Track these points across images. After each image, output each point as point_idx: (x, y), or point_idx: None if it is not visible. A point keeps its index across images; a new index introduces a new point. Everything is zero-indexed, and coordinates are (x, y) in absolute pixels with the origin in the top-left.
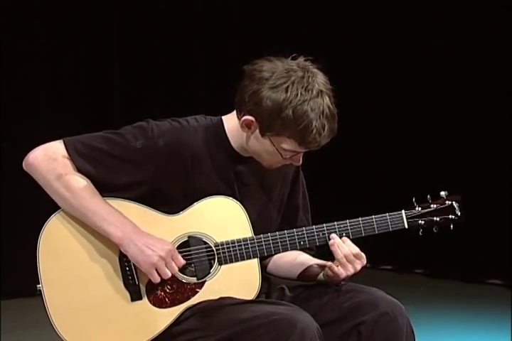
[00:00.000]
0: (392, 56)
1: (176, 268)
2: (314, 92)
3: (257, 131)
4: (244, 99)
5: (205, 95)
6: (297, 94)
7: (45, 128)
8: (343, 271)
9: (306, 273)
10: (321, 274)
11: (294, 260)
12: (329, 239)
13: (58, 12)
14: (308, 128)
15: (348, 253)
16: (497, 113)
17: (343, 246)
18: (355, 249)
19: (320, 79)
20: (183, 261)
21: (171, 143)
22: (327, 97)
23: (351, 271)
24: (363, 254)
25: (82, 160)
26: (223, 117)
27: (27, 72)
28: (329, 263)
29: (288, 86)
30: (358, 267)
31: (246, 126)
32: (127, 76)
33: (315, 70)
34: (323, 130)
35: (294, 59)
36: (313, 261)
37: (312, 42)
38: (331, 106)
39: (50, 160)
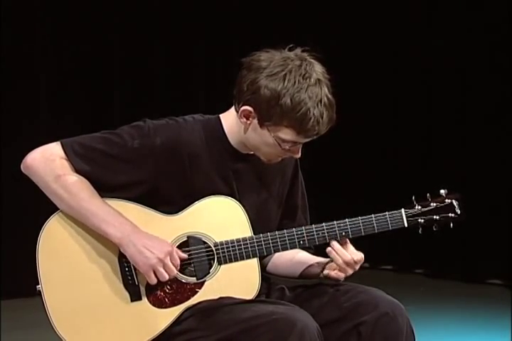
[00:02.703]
0: (392, 54)
1: (175, 271)
2: (312, 80)
3: (256, 121)
4: (243, 89)
5: (204, 95)
6: (295, 82)
7: (45, 129)
8: (342, 275)
9: (307, 272)
10: (321, 274)
11: (293, 258)
12: (328, 245)
13: (58, 12)
14: (306, 116)
15: (349, 261)
16: (496, 111)
17: (345, 254)
18: (357, 256)
19: (318, 69)
20: (178, 262)
21: (168, 141)
22: (325, 86)
23: (350, 273)
24: (362, 257)
25: (80, 161)
26: (221, 115)
27: (27, 72)
28: (324, 260)
29: (285, 74)
30: (357, 267)
31: (244, 116)
32: (127, 76)
33: (312, 60)
34: (322, 118)
35: (290, 50)
36: (313, 259)
37: (312, 41)
38: (329, 95)
39: (48, 162)
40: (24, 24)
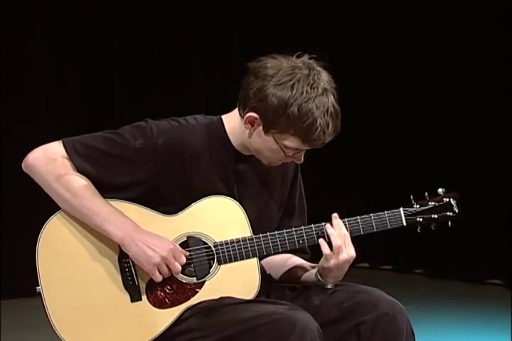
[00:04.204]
0: (393, 56)
1: (179, 268)
2: (320, 90)
3: (261, 128)
4: (249, 95)
5: (205, 95)
6: (303, 92)
7: (45, 129)
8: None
9: (289, 275)
10: (305, 274)
11: (284, 262)
12: (330, 219)
13: (58, 13)
14: (312, 126)
15: (343, 235)
16: (495, 110)
17: (342, 227)
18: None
19: (325, 78)
20: (184, 259)
21: (170, 142)
22: (331, 95)
23: (340, 259)
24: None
25: (82, 160)
26: (223, 116)
27: (27, 72)
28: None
29: (294, 83)
30: (345, 256)
31: (249, 122)
32: (127, 76)
33: (319, 68)
34: (328, 128)
35: (298, 57)
36: (301, 262)
37: (313, 42)
38: (335, 104)
39: (49, 161)
40: (24, 23)
